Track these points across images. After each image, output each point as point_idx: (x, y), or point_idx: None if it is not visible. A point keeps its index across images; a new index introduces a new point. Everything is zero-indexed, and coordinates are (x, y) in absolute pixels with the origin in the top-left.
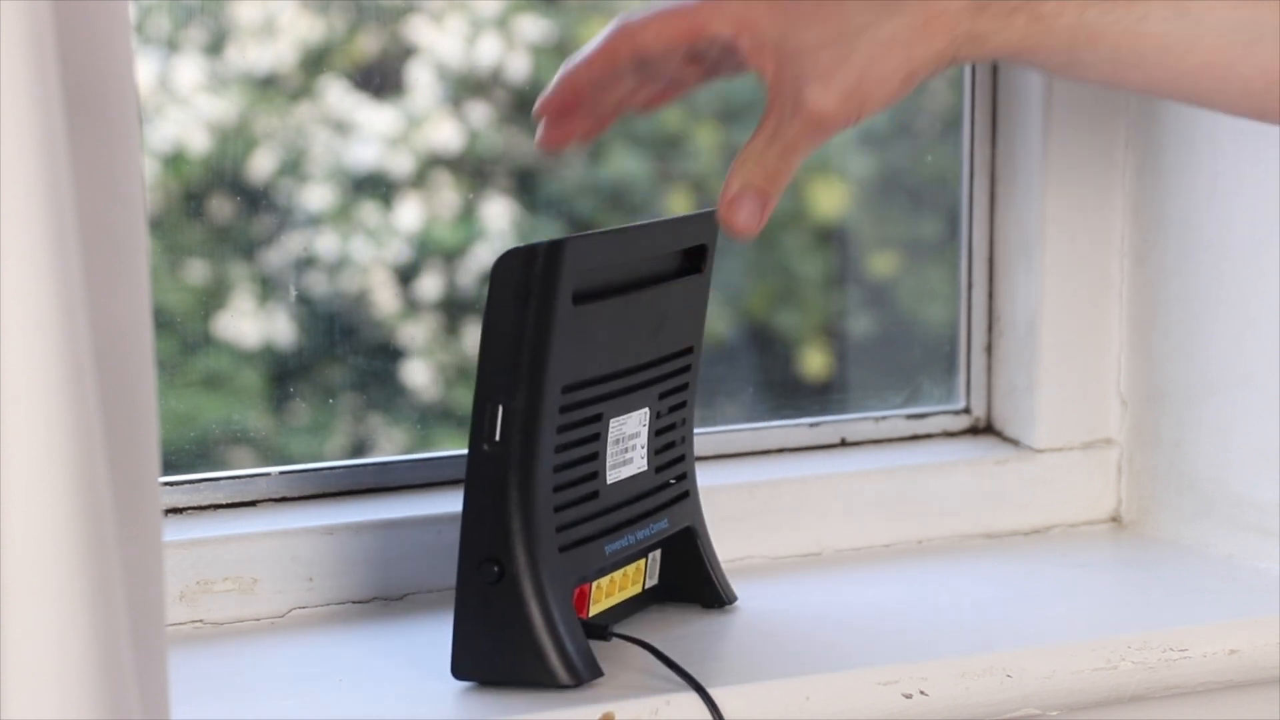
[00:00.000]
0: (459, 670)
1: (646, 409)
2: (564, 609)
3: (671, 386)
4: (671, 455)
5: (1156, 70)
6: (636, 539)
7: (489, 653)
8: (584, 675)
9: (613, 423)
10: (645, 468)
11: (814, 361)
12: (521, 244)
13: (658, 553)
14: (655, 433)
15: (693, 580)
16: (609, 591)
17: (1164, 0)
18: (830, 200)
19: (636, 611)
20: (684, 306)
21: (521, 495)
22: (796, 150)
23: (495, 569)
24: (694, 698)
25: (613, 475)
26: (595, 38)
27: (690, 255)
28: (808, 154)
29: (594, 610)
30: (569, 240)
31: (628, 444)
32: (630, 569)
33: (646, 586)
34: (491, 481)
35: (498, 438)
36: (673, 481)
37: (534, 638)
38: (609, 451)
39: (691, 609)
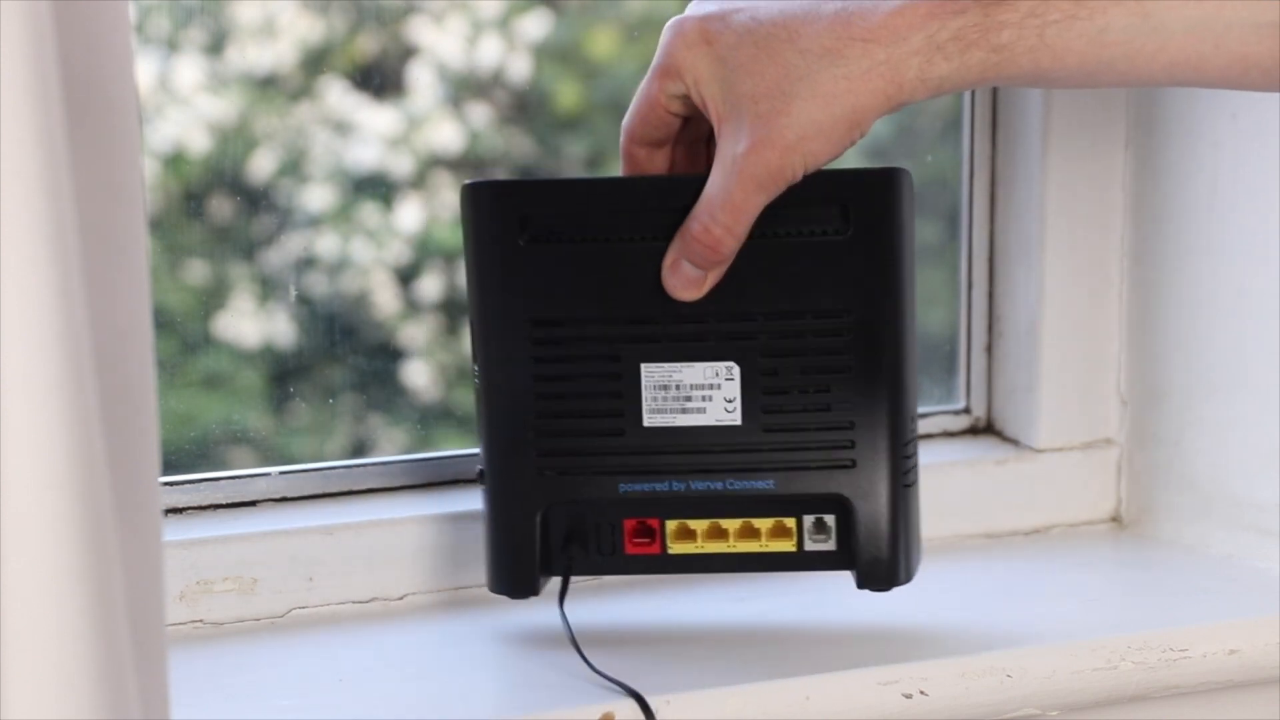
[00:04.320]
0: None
1: (734, 363)
2: (522, 524)
3: (781, 349)
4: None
5: (1129, 74)
6: (693, 488)
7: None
8: (511, 591)
9: (649, 367)
10: (737, 421)
11: None
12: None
13: (826, 518)
14: (764, 392)
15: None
16: (712, 534)
17: (1122, 6)
18: None
19: (771, 570)
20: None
21: (489, 413)
22: (742, 211)
23: (480, 472)
24: (631, 702)
25: (656, 419)
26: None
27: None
28: (756, 209)
29: (676, 549)
30: (520, 182)
31: (689, 392)
32: (761, 524)
33: (806, 549)
34: (477, 396)
35: (474, 360)
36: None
37: (489, 543)
38: (647, 395)
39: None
